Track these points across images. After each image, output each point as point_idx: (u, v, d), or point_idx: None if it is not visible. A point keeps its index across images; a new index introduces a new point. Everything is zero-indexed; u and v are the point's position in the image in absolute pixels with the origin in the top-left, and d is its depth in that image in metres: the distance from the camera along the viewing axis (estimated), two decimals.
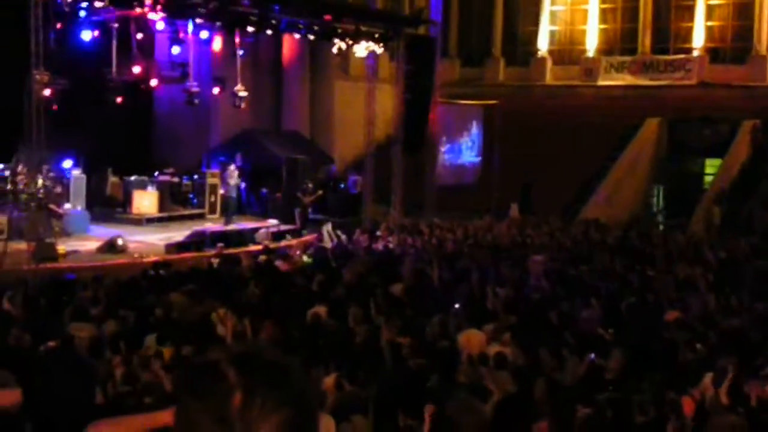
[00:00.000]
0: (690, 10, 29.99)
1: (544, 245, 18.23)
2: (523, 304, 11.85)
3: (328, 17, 21.40)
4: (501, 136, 25.23)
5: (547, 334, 9.64)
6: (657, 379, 7.21)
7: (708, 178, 27.17)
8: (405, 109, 23.36)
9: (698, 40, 29.56)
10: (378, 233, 20.05)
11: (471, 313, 10.71)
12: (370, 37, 22.15)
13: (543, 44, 32.24)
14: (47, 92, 16.12)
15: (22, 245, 15.59)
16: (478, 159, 26.58)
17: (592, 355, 7.94)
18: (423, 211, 23.91)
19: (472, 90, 29.40)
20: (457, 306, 11.03)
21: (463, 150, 26.72)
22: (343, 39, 22.06)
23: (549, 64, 32.09)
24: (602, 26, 31.86)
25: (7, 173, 17.49)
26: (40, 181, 16.42)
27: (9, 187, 17.25)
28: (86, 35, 18.02)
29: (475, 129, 26.67)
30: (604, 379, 7.62)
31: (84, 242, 17.78)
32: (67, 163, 20.01)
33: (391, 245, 18.59)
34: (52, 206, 16.99)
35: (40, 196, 16.45)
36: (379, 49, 22.79)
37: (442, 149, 25.72)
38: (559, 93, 30.08)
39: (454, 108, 26.34)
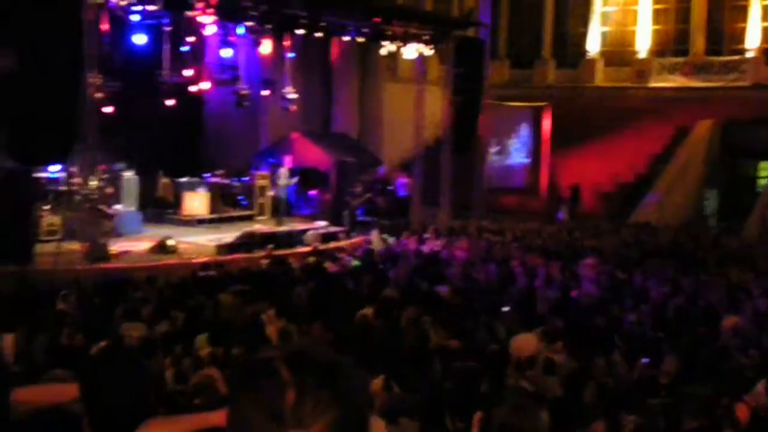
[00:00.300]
0: (744, 11, 29.37)
1: (594, 248, 18.03)
2: (573, 308, 11.71)
3: (377, 19, 21.33)
4: (550, 137, 25.00)
5: (597, 338, 9.58)
6: (710, 385, 7.00)
7: (762, 182, 26.71)
8: (454, 111, 23.17)
9: (753, 40, 28.98)
10: (426, 236, 19.84)
11: (519, 317, 10.62)
12: (419, 39, 22.03)
13: (594, 45, 31.83)
14: (100, 95, 16.32)
15: (76, 245, 15.83)
16: (527, 161, 26.31)
17: (645, 360, 7.76)
18: (471, 213, 23.78)
19: (521, 91, 29.10)
20: (505, 309, 10.95)
21: (512, 152, 26.58)
22: (392, 41, 21.97)
23: (600, 65, 31.68)
24: (654, 27, 31.41)
25: (63, 175, 17.69)
26: (93, 183, 16.65)
27: (64, 188, 17.41)
28: (139, 38, 18.21)
29: (524, 131, 26.44)
30: (657, 384, 7.57)
31: (136, 243, 17.85)
32: (120, 165, 20.21)
33: (439, 248, 18.39)
34: (102, 207, 17.14)
35: (93, 197, 16.64)
36: (428, 51, 22.67)
37: (491, 151, 25.61)
38: (610, 95, 29.76)
39: (503, 109, 26.05)
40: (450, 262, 15.82)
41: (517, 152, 26.61)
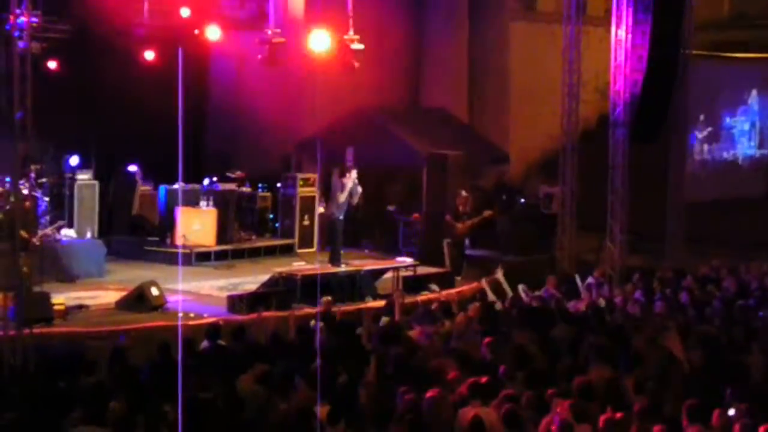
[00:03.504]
0: None
1: None
2: None
3: None
4: None
5: None
6: None
7: None
8: (634, 70, 18.69)
9: None
10: (588, 281, 16.60)
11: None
12: None
13: None
14: (36, 44, 13.83)
15: None
16: (761, 152, 22.20)
17: None
18: (664, 244, 19.64)
19: (751, 34, 23.53)
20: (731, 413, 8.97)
21: (736, 137, 21.79)
22: None
23: None
24: None
25: None
26: (24, 191, 14.30)
27: None
28: None
29: (756, 101, 21.93)
30: None
31: (96, 292, 15.57)
32: (72, 162, 17.56)
33: (606, 302, 15.12)
34: (43, 232, 15.08)
35: (26, 216, 14.44)
36: None
37: (699, 136, 21.33)
38: None
39: (719, 66, 21.82)
40: (634, 328, 12.67)
41: (744, 138, 21.65)
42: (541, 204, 21.28)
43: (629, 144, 19.61)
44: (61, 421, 9.00)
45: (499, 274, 17.43)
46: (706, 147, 21.81)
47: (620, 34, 19.65)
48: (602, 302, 15.98)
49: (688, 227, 20.61)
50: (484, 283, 17.50)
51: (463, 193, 19.57)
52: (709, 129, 21.86)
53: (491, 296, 16.70)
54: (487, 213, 19.68)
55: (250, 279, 16.76)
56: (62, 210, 17.58)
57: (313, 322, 14.25)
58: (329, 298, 15.21)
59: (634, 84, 19.59)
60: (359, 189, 18.49)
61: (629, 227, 19.85)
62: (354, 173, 18.71)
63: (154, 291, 15.29)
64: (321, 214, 19.60)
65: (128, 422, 8.96)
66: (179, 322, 14.41)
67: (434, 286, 17.50)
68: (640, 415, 9.05)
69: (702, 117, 21.60)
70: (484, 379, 10.09)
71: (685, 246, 20.37)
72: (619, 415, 8.72)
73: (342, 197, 18.21)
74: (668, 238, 20.56)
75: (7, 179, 14.70)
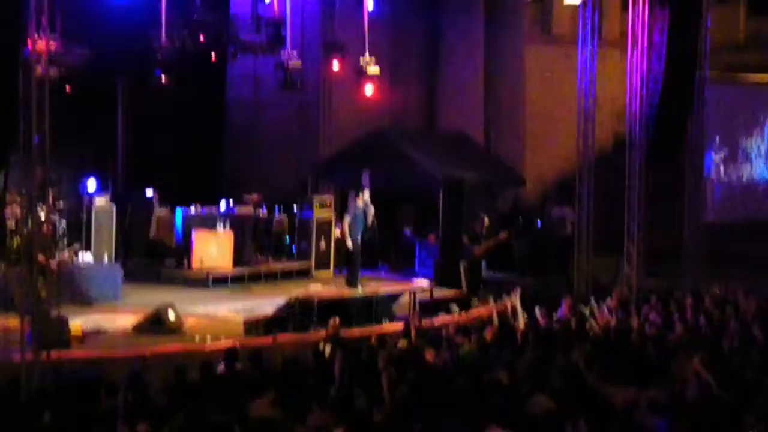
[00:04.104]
0: None
1: None
2: None
3: None
4: None
5: None
6: None
7: None
8: (651, 90, 19.02)
9: None
10: (605, 304, 16.54)
11: None
12: None
13: None
14: (54, 69, 13.63)
15: (13, 321, 13.53)
16: None
17: None
18: (681, 265, 19.52)
19: (766, 55, 24.30)
20: None
21: (753, 158, 21.90)
22: None
23: None
24: None
25: None
26: (41, 215, 13.92)
27: None
28: None
29: None
30: None
31: (113, 315, 15.58)
32: (89, 185, 17.58)
33: (623, 324, 14.98)
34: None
35: (43, 239, 14.05)
36: None
37: (715, 157, 21.56)
38: None
39: (736, 86, 21.97)
40: (656, 352, 12.72)
41: (760, 159, 21.73)
42: (555, 226, 21.33)
43: (645, 166, 19.56)
44: None
45: (515, 297, 17.14)
46: (722, 168, 21.82)
47: (636, 55, 19.55)
48: (620, 324, 15.71)
49: (705, 249, 20.42)
50: (502, 305, 17.19)
51: (486, 217, 19.47)
52: (726, 150, 21.89)
53: (510, 319, 16.43)
54: (503, 235, 19.69)
55: (266, 302, 16.64)
56: (79, 234, 17.62)
57: (323, 345, 14.13)
58: (337, 319, 14.85)
59: (650, 106, 19.49)
60: (372, 209, 18.35)
61: (647, 248, 19.66)
62: (366, 193, 18.51)
63: (171, 315, 15.19)
64: (338, 238, 19.48)
65: None
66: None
67: (454, 307, 17.34)
68: None
69: (718, 139, 21.65)
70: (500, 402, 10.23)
71: (703, 267, 20.18)
72: None
73: (357, 218, 18.03)
74: (685, 260, 20.42)
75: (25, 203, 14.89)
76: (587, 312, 16.67)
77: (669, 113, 19.60)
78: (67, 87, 14.95)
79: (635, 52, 19.46)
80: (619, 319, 16.36)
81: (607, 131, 21.76)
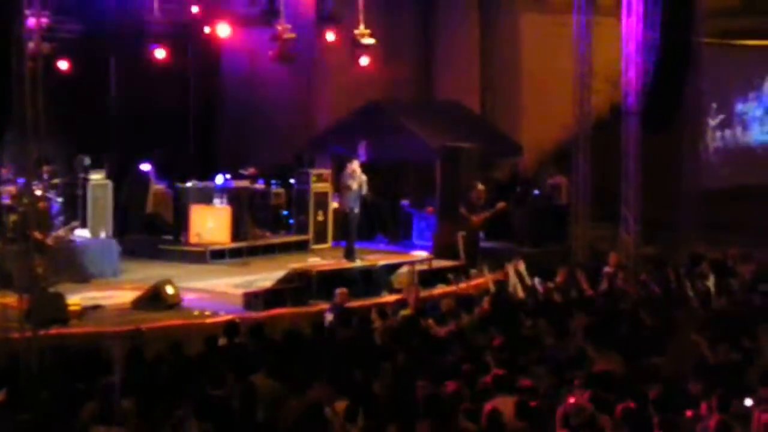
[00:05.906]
0: None
1: None
2: None
3: None
4: None
5: None
6: None
7: None
8: (646, 58, 18.69)
9: None
10: (604, 270, 16.46)
11: None
12: None
13: None
14: (47, 45, 13.90)
15: (11, 298, 13.42)
16: None
17: None
18: (678, 233, 19.43)
19: (763, 21, 23.17)
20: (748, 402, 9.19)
21: (750, 124, 21.90)
22: None
23: None
24: None
25: None
26: (37, 192, 14.18)
27: None
28: None
29: None
30: None
31: (111, 292, 15.57)
32: (83, 162, 17.49)
33: (621, 291, 15.15)
34: (57, 233, 15.11)
35: (39, 215, 14.36)
36: None
37: (712, 123, 21.49)
38: None
39: (732, 53, 21.88)
40: (649, 317, 12.88)
41: (757, 124, 21.68)
42: (551, 195, 21.31)
43: (642, 133, 19.48)
44: (75, 420, 8.95)
45: (521, 266, 16.82)
46: (719, 134, 21.84)
47: (631, 23, 19.52)
48: (617, 291, 15.75)
49: (702, 215, 20.36)
50: (501, 274, 17.04)
51: (480, 186, 19.46)
52: (722, 116, 21.87)
53: (512, 288, 16.23)
54: (500, 205, 19.63)
55: (265, 276, 16.64)
56: (76, 210, 17.54)
57: (327, 317, 14.06)
58: (344, 289, 14.88)
59: (646, 73, 19.37)
60: (364, 177, 18.30)
61: (643, 215, 19.63)
62: (355, 163, 18.42)
63: (170, 289, 15.19)
64: (335, 210, 19.54)
65: (142, 420, 8.92)
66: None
67: (454, 277, 17.30)
68: (656, 404, 8.97)
69: (714, 105, 21.62)
70: (500, 372, 9.96)
71: (700, 234, 20.12)
72: (632, 405, 8.73)
73: (354, 185, 18.03)
74: (682, 227, 20.34)
75: (20, 180, 14.57)
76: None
77: (665, 80, 19.11)
78: (61, 62, 14.95)
79: (630, 19, 19.35)
80: (615, 286, 16.31)
81: (603, 99, 21.62)
